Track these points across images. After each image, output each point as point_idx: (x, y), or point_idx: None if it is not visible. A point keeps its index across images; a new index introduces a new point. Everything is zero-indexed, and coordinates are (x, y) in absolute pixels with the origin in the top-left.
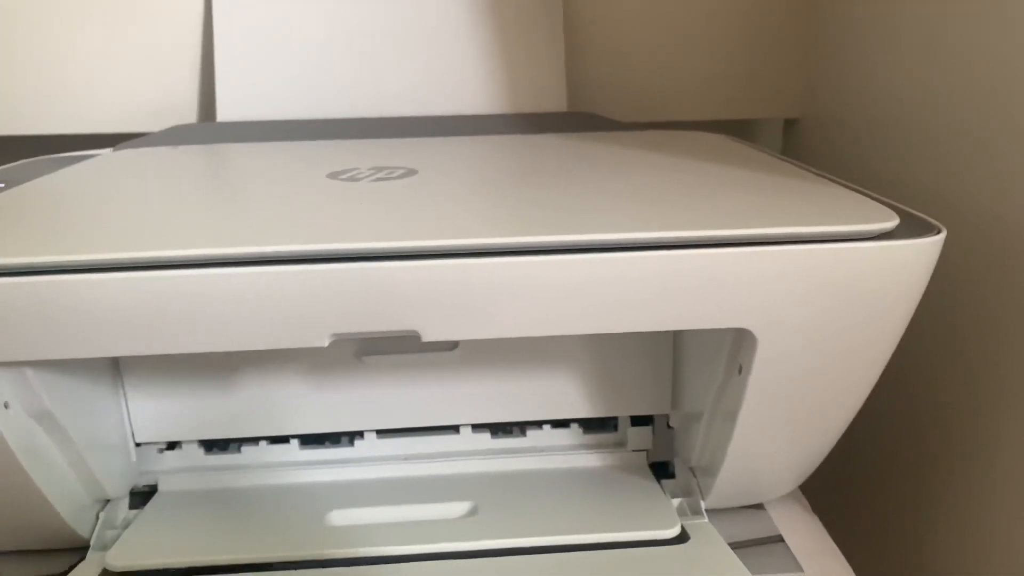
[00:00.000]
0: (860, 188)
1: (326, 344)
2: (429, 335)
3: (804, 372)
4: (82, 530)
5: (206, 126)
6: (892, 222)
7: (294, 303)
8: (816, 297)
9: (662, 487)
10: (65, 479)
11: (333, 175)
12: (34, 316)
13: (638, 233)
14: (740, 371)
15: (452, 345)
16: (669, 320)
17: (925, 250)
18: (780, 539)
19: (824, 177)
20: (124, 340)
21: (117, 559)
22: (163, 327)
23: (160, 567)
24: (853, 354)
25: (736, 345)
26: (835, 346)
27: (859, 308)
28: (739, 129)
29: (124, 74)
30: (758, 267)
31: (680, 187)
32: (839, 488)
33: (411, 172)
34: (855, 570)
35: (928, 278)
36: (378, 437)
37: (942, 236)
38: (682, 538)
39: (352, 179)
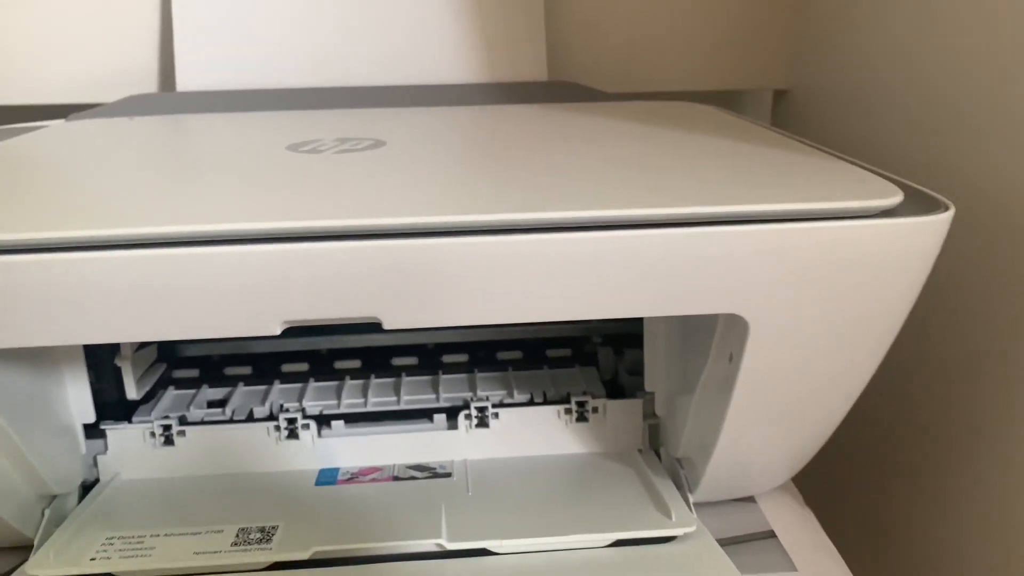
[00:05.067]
0: (860, 162)
1: (278, 332)
2: (391, 322)
3: (799, 360)
4: (27, 529)
5: (164, 96)
6: (896, 198)
7: (241, 287)
8: (813, 280)
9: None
10: (4, 476)
11: (293, 147)
12: None
13: (618, 211)
14: (730, 359)
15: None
16: (652, 306)
17: (933, 229)
18: (772, 535)
19: (822, 150)
20: (57, 327)
21: (36, 567)
22: (96, 313)
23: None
24: (852, 341)
25: (726, 331)
26: (833, 333)
27: (860, 292)
28: (726, 101)
29: (78, 41)
30: (750, 247)
31: (666, 160)
32: (834, 480)
33: (378, 144)
34: (851, 568)
35: (934, 259)
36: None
37: (950, 214)
38: (668, 535)
39: (314, 151)
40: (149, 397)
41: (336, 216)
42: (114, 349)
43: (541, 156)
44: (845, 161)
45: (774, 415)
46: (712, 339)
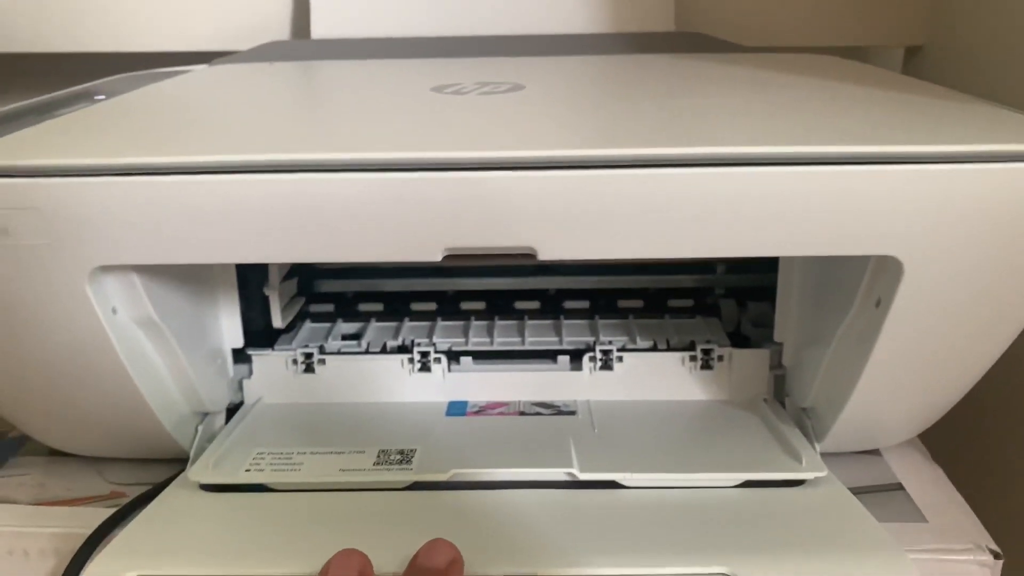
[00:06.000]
0: (1018, 109)
1: (439, 259)
2: (546, 253)
3: (950, 307)
4: (184, 441)
5: (300, 43)
6: None
7: (408, 212)
8: (973, 223)
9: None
10: (167, 388)
11: (438, 89)
12: (139, 217)
13: (774, 147)
14: (878, 304)
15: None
16: (807, 245)
17: None
18: (900, 487)
19: (980, 100)
20: (227, 245)
21: (198, 475)
22: (266, 233)
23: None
24: (1007, 289)
25: (876, 274)
26: (988, 279)
27: (1020, 237)
28: (853, 58)
29: None
30: (911, 188)
31: (817, 104)
32: (959, 438)
33: (517, 87)
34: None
35: None
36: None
37: None
38: (797, 480)
39: (458, 92)
40: (287, 330)
41: (497, 148)
42: (262, 279)
43: (687, 99)
44: (1004, 108)
45: (915, 366)
46: (856, 288)
